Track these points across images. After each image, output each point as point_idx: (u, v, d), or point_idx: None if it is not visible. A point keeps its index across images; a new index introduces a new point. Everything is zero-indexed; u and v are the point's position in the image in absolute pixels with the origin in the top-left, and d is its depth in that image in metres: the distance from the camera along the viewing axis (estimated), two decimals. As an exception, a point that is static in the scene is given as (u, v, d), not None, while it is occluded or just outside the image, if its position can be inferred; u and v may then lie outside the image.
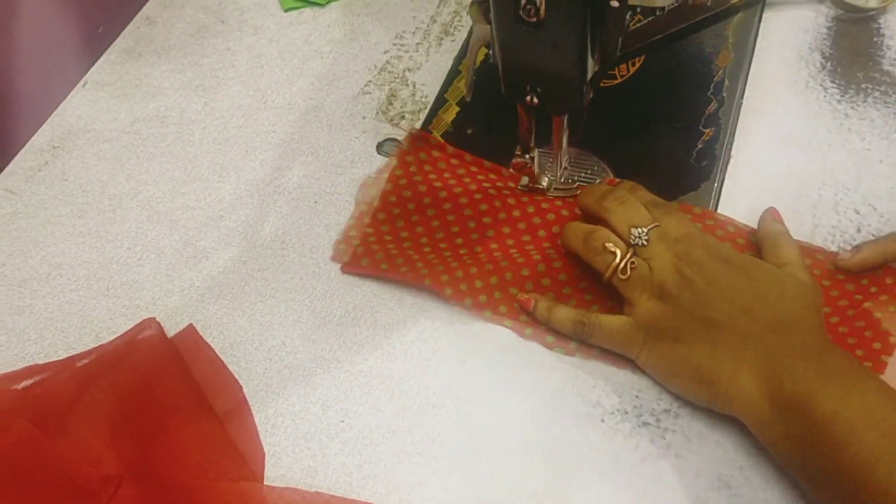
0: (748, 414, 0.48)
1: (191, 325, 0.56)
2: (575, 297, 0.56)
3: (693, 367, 0.50)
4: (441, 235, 0.60)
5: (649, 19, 0.68)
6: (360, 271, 0.59)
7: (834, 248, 0.57)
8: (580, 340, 0.54)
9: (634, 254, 0.53)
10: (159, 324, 0.55)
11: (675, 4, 0.62)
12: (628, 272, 0.52)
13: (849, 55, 0.68)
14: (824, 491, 0.45)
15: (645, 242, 0.53)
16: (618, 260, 0.53)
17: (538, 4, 0.48)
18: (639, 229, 0.53)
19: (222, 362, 0.54)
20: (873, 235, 0.57)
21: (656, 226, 0.53)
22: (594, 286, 0.56)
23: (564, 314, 0.54)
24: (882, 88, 0.65)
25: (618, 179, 0.60)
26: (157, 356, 0.53)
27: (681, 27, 0.68)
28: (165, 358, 0.53)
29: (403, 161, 0.64)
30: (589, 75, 0.51)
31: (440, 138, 0.65)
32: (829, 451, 0.44)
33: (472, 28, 0.54)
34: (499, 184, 0.62)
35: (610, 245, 0.53)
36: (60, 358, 0.55)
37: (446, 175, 0.62)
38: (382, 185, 0.63)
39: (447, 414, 0.52)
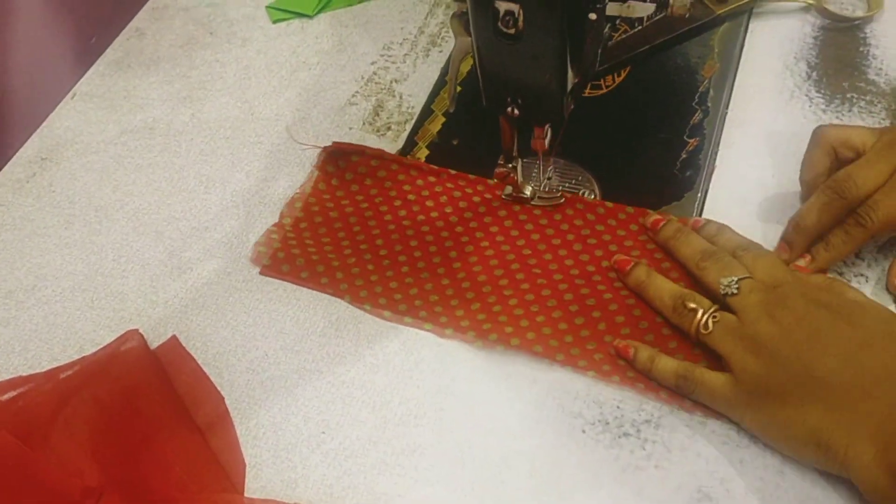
0: (865, 483, 0.45)
1: (174, 337, 0.56)
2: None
3: (807, 431, 0.47)
4: (365, 247, 0.60)
5: (634, 31, 0.68)
6: (279, 276, 0.59)
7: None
8: (683, 394, 0.51)
9: (722, 307, 0.51)
10: (142, 335, 0.55)
11: (657, 17, 0.62)
12: (710, 326, 0.50)
13: (834, 65, 0.68)
14: None
15: (735, 291, 0.51)
16: (699, 315, 0.51)
17: (517, 16, 0.48)
18: (728, 279, 0.51)
19: (205, 374, 0.55)
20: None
21: (749, 277, 0.51)
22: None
23: (667, 366, 0.51)
24: (867, 98, 0.65)
25: (702, 219, 0.58)
26: (140, 368, 0.53)
27: (666, 38, 0.68)
28: (148, 370, 0.53)
29: (325, 173, 0.64)
30: (569, 86, 0.52)
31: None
32: None
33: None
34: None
35: (691, 303, 0.52)
36: (44, 370, 0.55)
37: (373, 192, 0.63)
38: (306, 198, 0.63)
39: (428, 425, 0.52)
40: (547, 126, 0.56)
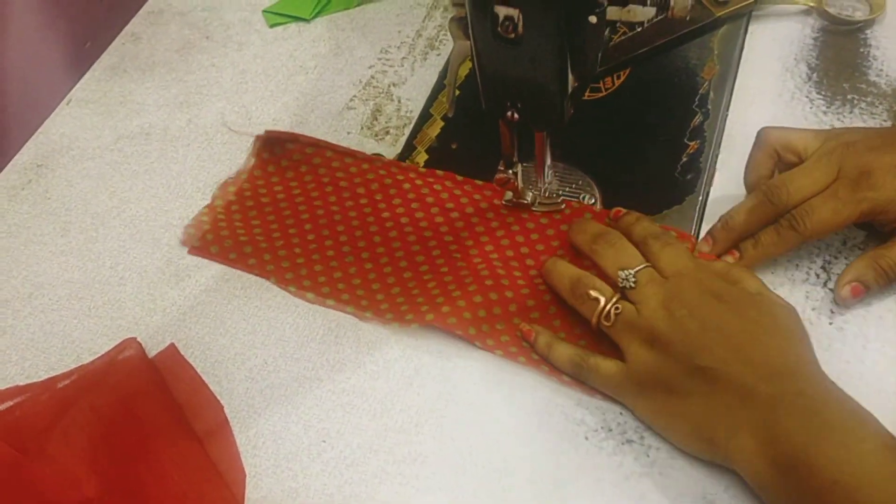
0: (749, 475, 0.46)
1: (172, 345, 0.56)
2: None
3: (690, 424, 0.48)
4: (294, 231, 0.61)
5: (633, 33, 0.68)
6: (207, 257, 0.61)
7: (819, 262, 0.57)
8: (579, 380, 0.53)
9: (622, 297, 0.52)
10: (139, 344, 0.55)
11: (656, 19, 0.61)
12: (612, 318, 0.51)
13: (835, 66, 0.68)
14: None
15: (632, 285, 0.51)
16: (601, 306, 0.52)
17: (516, 21, 0.47)
18: (626, 271, 0.52)
19: (203, 382, 0.54)
20: (859, 248, 0.57)
21: (646, 266, 0.52)
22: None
23: (563, 353, 0.53)
24: (868, 99, 0.65)
25: (622, 210, 0.58)
26: (138, 377, 0.52)
27: (665, 40, 0.68)
28: (146, 379, 0.52)
29: (261, 160, 0.66)
30: (569, 90, 0.51)
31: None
32: None
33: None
34: (406, 184, 0.63)
35: (593, 292, 0.52)
36: (41, 379, 0.55)
37: (307, 178, 0.64)
38: (241, 183, 0.64)
39: (430, 433, 0.52)
40: (546, 133, 0.56)
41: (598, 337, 0.53)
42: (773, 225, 0.55)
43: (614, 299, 0.52)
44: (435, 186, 0.62)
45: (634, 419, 0.51)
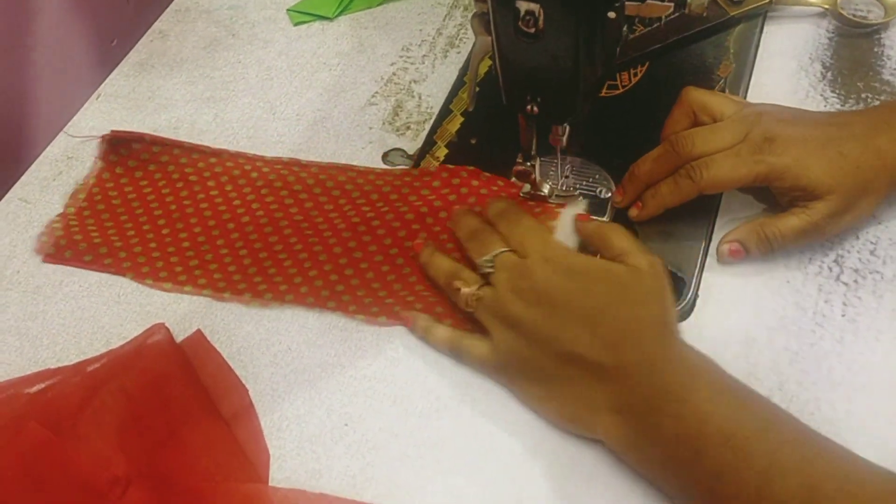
0: (616, 450, 0.49)
1: (198, 331, 0.57)
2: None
3: (557, 406, 0.51)
4: (148, 227, 0.63)
5: (649, 29, 0.69)
6: (62, 262, 0.62)
7: (832, 256, 0.58)
8: (459, 361, 0.55)
9: (486, 283, 0.54)
10: (168, 329, 0.56)
11: (673, 15, 0.63)
12: (473, 304, 0.53)
13: (849, 65, 0.69)
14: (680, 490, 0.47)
15: (490, 269, 0.54)
16: (464, 291, 0.54)
17: (537, 16, 0.49)
18: (484, 257, 0.54)
19: (229, 366, 0.56)
20: (871, 242, 0.58)
21: (505, 251, 0.54)
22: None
23: (441, 335, 0.55)
24: (882, 98, 0.66)
25: (494, 200, 0.60)
26: (166, 360, 0.54)
27: (681, 37, 0.69)
28: (174, 362, 0.54)
29: (109, 163, 0.67)
30: (588, 85, 0.52)
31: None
32: (680, 472, 0.46)
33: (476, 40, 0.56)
34: (271, 176, 0.66)
35: (457, 282, 0.54)
36: (72, 363, 0.57)
37: (157, 176, 0.66)
38: (90, 188, 0.66)
39: (450, 418, 0.53)
40: (565, 125, 0.57)
41: (477, 325, 0.55)
42: (672, 175, 0.57)
43: (475, 286, 0.54)
44: (299, 174, 0.66)
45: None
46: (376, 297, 0.58)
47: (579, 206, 0.60)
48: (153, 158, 0.67)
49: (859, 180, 0.54)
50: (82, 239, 0.63)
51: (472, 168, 0.63)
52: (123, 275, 0.61)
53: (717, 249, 0.57)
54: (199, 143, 0.69)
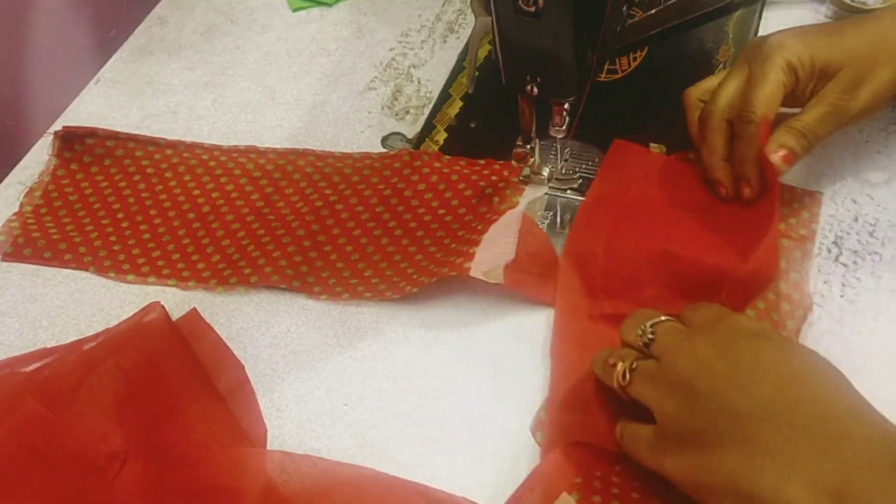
0: None
1: (194, 309, 0.57)
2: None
3: (725, 477, 0.39)
4: (107, 221, 0.63)
5: (648, 14, 0.69)
6: (22, 261, 0.62)
7: (831, 237, 0.58)
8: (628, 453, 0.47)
9: (641, 357, 0.46)
10: (163, 307, 0.56)
11: (670, 1, 0.63)
12: (628, 377, 0.45)
13: (848, 50, 0.68)
14: None
15: (651, 337, 0.46)
16: (619, 368, 0.46)
17: (537, -6, 0.49)
18: (643, 325, 0.47)
19: (225, 343, 0.56)
20: (870, 224, 0.58)
21: (667, 319, 0.47)
22: None
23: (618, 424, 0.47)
24: (881, 82, 0.66)
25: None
26: (162, 338, 0.54)
27: (680, 21, 0.69)
28: (169, 339, 0.54)
29: (63, 159, 0.67)
30: (588, 64, 0.52)
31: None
32: None
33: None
34: (229, 168, 0.66)
35: (611, 359, 0.47)
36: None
37: (113, 171, 0.66)
38: (45, 186, 0.66)
39: (449, 397, 0.53)
40: (565, 107, 0.57)
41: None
42: (734, 136, 0.57)
43: (630, 359, 0.46)
44: (252, 161, 0.66)
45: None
46: (340, 278, 0.59)
47: (538, 195, 0.61)
48: (108, 153, 0.67)
49: (867, 51, 0.54)
50: (41, 236, 0.63)
51: (465, 160, 0.64)
52: (85, 269, 0.61)
53: (772, 160, 0.55)
54: (193, 129, 0.69)
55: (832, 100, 0.55)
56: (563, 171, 0.62)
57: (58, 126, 0.71)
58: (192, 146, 0.67)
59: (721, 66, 0.68)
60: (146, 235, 0.62)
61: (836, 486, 0.37)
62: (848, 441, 0.38)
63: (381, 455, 0.51)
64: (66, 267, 0.61)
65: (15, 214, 0.64)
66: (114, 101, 0.73)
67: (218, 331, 0.57)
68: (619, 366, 0.46)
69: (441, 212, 0.61)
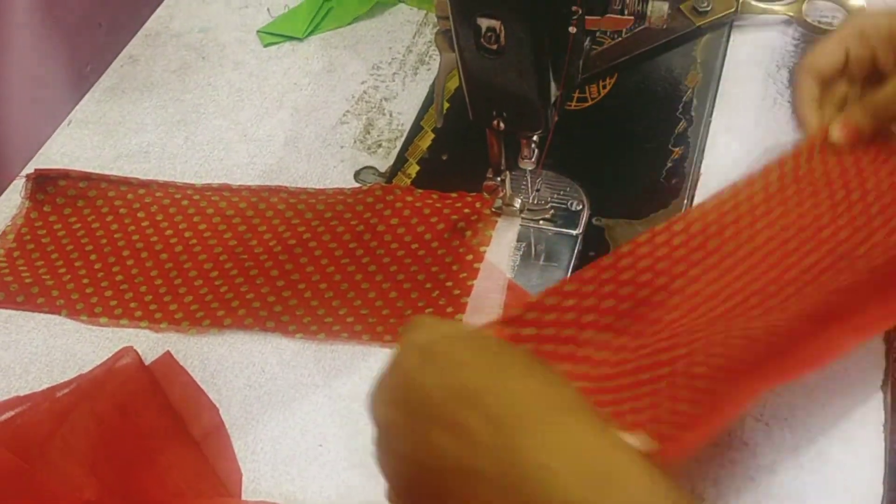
0: None
1: (167, 353, 0.57)
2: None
3: None
4: (80, 263, 0.63)
5: (616, 41, 0.70)
6: None
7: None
8: None
9: None
10: (136, 352, 0.56)
11: (636, 28, 0.63)
12: None
13: (815, 72, 0.69)
14: None
15: None
16: None
17: (498, 32, 0.49)
18: None
19: (199, 386, 0.56)
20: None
21: None
22: None
23: None
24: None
25: None
26: (135, 383, 0.54)
27: (646, 48, 0.70)
28: (142, 384, 0.54)
29: (36, 202, 0.67)
30: (552, 99, 0.53)
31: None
32: None
33: (442, 57, 0.56)
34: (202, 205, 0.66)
35: None
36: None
37: (86, 212, 0.66)
38: (18, 229, 0.65)
39: (424, 435, 0.53)
40: (533, 140, 0.57)
41: None
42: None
43: None
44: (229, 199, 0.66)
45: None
46: (314, 316, 0.58)
47: (511, 230, 0.61)
48: (81, 194, 0.67)
49: None
50: (13, 280, 0.62)
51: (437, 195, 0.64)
52: (58, 313, 0.61)
53: (831, 135, 0.54)
54: (165, 168, 0.69)
55: None
56: (535, 202, 0.62)
57: (30, 168, 0.71)
58: (164, 185, 0.67)
59: (689, 90, 0.68)
60: (119, 277, 0.62)
61: None
62: None
63: (358, 496, 0.51)
64: (39, 311, 0.61)
65: None
66: (86, 141, 0.73)
67: (192, 373, 0.57)
68: None
69: (414, 246, 0.61)
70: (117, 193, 0.67)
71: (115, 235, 0.64)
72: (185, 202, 0.66)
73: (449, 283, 0.59)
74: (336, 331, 0.58)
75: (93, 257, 0.63)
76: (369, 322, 0.58)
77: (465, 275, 0.59)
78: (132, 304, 0.61)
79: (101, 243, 0.64)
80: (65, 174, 0.67)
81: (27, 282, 0.62)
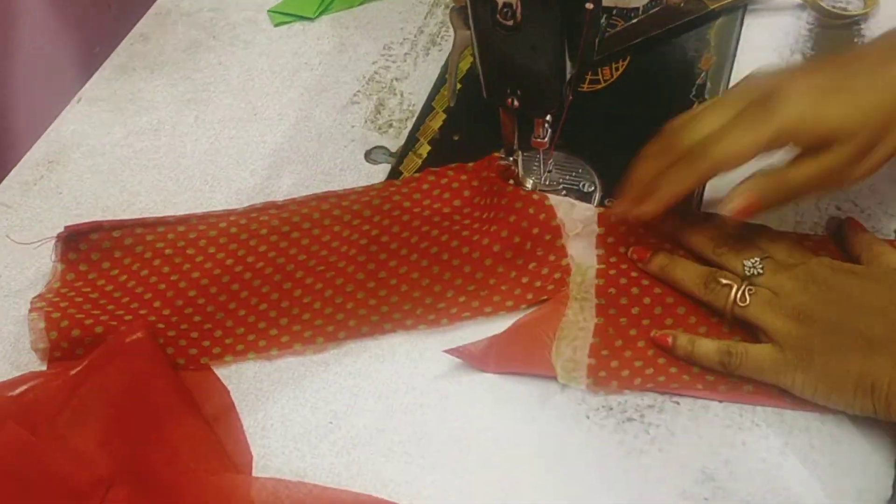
0: None
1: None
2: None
3: (853, 378, 0.48)
4: (145, 312, 0.58)
5: (630, 23, 0.69)
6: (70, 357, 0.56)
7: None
8: (728, 373, 0.52)
9: (750, 284, 0.52)
10: (147, 328, 0.56)
11: (652, 9, 0.63)
12: (748, 299, 0.51)
13: (829, 57, 0.69)
14: None
15: (760, 271, 0.52)
16: (734, 291, 0.52)
17: (514, 7, 0.49)
18: (752, 260, 0.52)
19: (209, 367, 0.55)
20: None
21: (768, 257, 0.53)
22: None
23: (709, 346, 0.52)
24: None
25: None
26: (145, 359, 0.53)
27: (662, 31, 0.69)
28: (153, 360, 0.53)
29: (69, 263, 0.61)
30: (567, 77, 0.52)
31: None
32: None
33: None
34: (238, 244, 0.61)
35: (724, 279, 0.52)
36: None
37: (126, 261, 0.61)
38: (56, 291, 0.59)
39: (434, 413, 0.53)
40: (546, 119, 0.57)
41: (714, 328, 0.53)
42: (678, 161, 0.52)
43: (745, 284, 0.52)
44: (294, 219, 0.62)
45: (635, 398, 0.52)
46: (424, 306, 0.57)
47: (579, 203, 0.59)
48: (116, 244, 0.61)
49: (880, 118, 0.49)
50: (69, 325, 0.56)
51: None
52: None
53: (727, 206, 0.51)
54: (176, 145, 0.69)
55: (833, 166, 0.49)
56: (547, 183, 0.62)
57: (41, 146, 0.71)
58: (205, 217, 0.63)
59: (703, 73, 0.68)
60: (197, 318, 0.58)
61: None
62: None
63: (368, 472, 0.51)
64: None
65: (34, 310, 0.58)
66: (96, 118, 0.73)
67: (203, 350, 0.57)
68: (735, 288, 0.52)
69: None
70: (157, 235, 0.62)
71: (172, 278, 0.59)
72: (233, 229, 0.62)
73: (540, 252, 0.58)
74: (454, 313, 0.56)
75: (157, 304, 0.58)
76: (481, 296, 0.57)
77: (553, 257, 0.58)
78: (227, 341, 0.57)
79: (160, 289, 0.59)
80: (97, 226, 0.61)
81: (87, 324, 0.56)
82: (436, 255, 0.59)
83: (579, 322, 0.55)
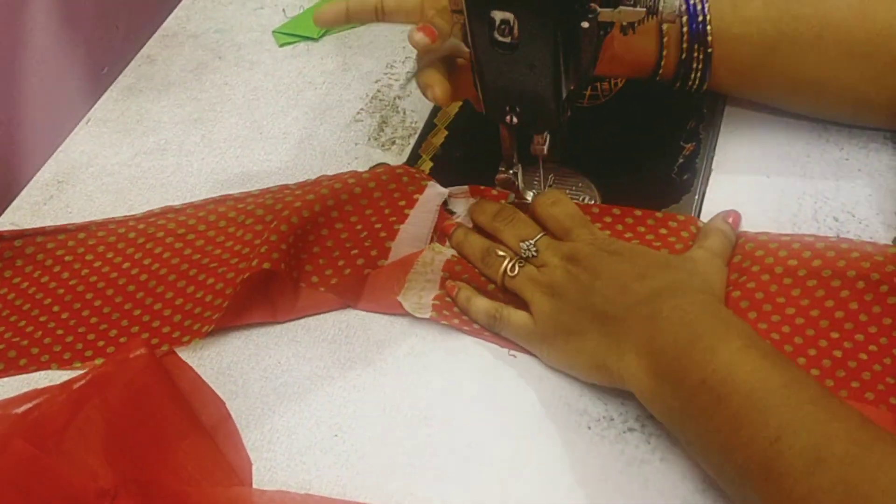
0: (636, 390, 0.50)
1: (171, 349, 0.58)
2: None
3: (588, 355, 0.53)
4: (45, 318, 0.61)
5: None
6: None
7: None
8: (493, 331, 0.57)
9: (520, 259, 0.57)
10: (149, 344, 0.57)
11: (647, 23, 0.63)
12: (516, 270, 0.57)
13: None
14: (703, 459, 0.48)
15: (534, 253, 0.57)
16: (505, 263, 0.57)
17: (512, 25, 0.50)
18: (526, 242, 0.58)
19: (203, 380, 0.56)
20: (852, 241, 0.58)
21: (543, 235, 0.58)
22: None
23: (480, 305, 0.57)
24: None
25: (545, 191, 0.61)
26: (148, 374, 0.54)
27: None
28: (155, 375, 0.54)
29: None
30: (564, 94, 0.53)
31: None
32: (700, 419, 0.46)
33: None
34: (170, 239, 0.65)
35: (500, 251, 0.58)
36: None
37: (48, 262, 0.64)
38: None
39: (438, 425, 0.54)
40: (546, 133, 0.58)
41: (508, 298, 0.58)
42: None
43: (517, 259, 0.57)
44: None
45: (636, 408, 0.53)
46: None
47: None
48: (18, 254, 0.64)
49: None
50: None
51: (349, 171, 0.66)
52: (48, 368, 0.59)
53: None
54: (182, 164, 0.70)
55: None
56: (548, 196, 0.63)
57: (51, 166, 0.72)
58: (104, 223, 0.66)
59: (701, 88, 0.68)
60: (93, 319, 0.61)
61: (650, 347, 0.49)
62: (662, 311, 0.50)
63: (372, 485, 0.52)
64: (24, 372, 0.59)
65: None
66: (105, 139, 0.74)
67: (208, 365, 0.58)
68: (507, 261, 0.57)
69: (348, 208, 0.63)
70: (57, 244, 0.65)
71: (71, 283, 0.63)
72: (131, 234, 0.65)
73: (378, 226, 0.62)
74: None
75: (56, 308, 0.61)
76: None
77: (394, 218, 0.62)
78: (121, 340, 0.59)
79: (59, 293, 0.62)
80: (20, 234, 0.65)
81: (0, 349, 0.60)
82: (310, 229, 0.61)
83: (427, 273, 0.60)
